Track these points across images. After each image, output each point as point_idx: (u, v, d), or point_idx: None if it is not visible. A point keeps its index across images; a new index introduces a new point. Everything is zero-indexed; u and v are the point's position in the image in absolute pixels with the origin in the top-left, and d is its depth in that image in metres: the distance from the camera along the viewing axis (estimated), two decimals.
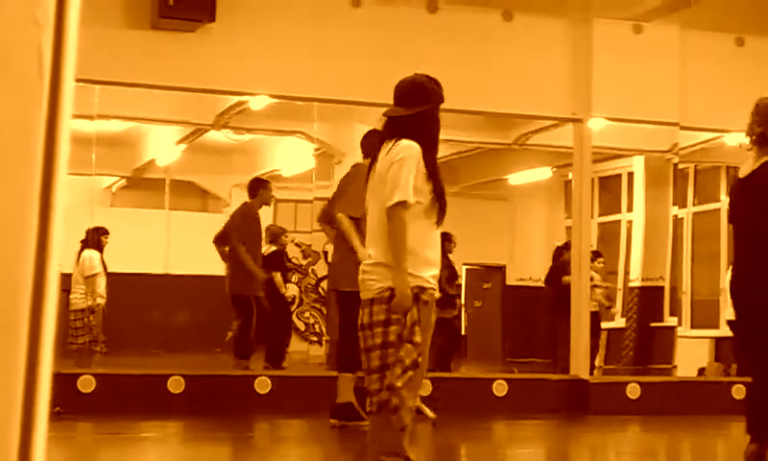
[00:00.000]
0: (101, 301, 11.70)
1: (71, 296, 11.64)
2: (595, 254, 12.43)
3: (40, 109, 0.99)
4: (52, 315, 1.03)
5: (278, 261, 12.20)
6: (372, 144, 8.30)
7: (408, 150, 4.45)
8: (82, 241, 11.69)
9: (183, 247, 14.05)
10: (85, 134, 11.22)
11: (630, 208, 14.54)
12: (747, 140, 6.29)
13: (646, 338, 13.50)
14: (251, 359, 10.69)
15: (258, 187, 11.18)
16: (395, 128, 4.60)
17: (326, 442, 8.10)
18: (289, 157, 14.72)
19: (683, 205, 14.02)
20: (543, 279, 13.51)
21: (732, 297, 6.30)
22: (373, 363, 4.33)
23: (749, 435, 6.25)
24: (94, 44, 9.24)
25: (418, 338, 4.30)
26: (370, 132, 8.64)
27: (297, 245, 13.77)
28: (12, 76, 1.00)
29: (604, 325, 13.77)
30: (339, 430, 8.10)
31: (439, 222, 4.52)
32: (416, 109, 4.56)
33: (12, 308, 1.01)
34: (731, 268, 6.72)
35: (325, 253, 15.25)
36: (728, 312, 12.10)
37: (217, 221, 11.78)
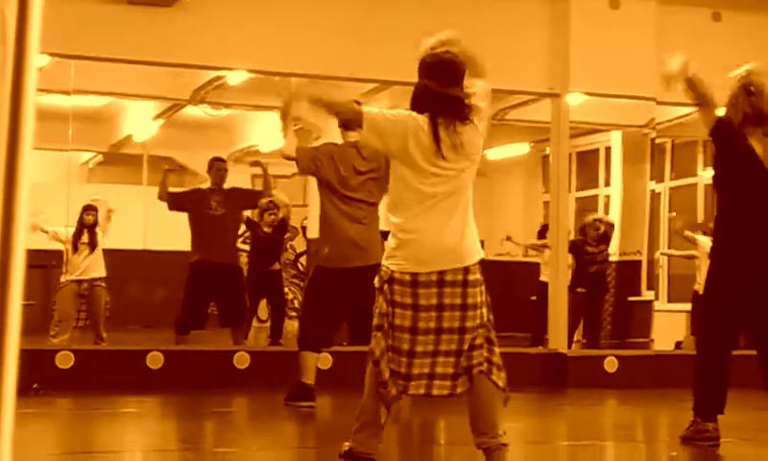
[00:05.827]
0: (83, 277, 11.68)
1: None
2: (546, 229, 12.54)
3: (4, 77, 0.97)
4: (18, 291, 1.02)
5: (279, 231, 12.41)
6: None
7: None
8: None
9: (161, 223, 14.00)
10: (62, 110, 11.14)
11: (607, 183, 14.57)
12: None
13: (624, 312, 13.55)
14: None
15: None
16: None
17: (304, 417, 8.11)
18: (267, 133, 14.66)
19: (660, 179, 14.05)
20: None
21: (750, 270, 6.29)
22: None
23: (697, 412, 6.30)
24: (70, 19, 9.17)
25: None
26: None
27: None
28: None
29: None
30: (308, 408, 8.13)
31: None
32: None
33: None
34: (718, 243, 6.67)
35: (303, 228, 15.23)
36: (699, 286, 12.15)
37: None
